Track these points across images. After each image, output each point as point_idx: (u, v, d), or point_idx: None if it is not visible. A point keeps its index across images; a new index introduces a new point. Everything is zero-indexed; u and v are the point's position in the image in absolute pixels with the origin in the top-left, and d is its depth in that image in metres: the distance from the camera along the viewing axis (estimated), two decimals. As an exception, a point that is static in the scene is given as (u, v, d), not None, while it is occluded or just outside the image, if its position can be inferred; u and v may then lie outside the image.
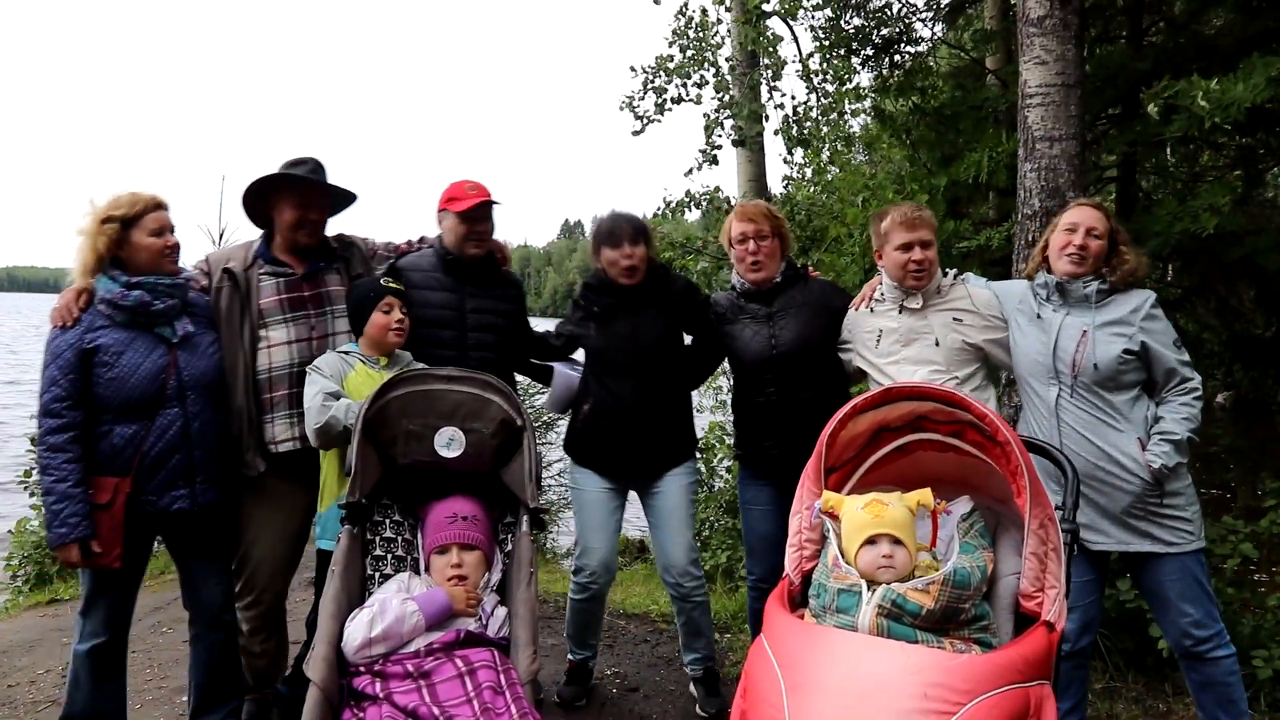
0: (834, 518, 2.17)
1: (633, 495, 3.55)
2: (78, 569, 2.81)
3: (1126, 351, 2.70)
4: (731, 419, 3.84)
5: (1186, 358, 2.77)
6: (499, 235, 3.42)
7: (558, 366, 3.60)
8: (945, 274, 3.11)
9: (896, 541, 2.05)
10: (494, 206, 3.30)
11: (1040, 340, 2.83)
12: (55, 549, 2.69)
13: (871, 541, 2.05)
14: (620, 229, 3.30)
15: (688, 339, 3.57)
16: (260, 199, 3.11)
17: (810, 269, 3.52)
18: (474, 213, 3.23)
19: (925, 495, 2.11)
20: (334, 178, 3.17)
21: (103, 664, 2.86)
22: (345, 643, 2.28)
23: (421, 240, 3.55)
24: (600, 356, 3.37)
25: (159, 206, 2.81)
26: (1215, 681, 2.73)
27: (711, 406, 8.04)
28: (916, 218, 3.01)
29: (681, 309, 3.44)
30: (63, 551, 2.68)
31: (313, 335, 3.10)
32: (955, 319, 2.99)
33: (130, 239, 2.76)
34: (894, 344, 3.03)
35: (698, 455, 3.66)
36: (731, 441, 7.08)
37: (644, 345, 3.31)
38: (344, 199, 3.23)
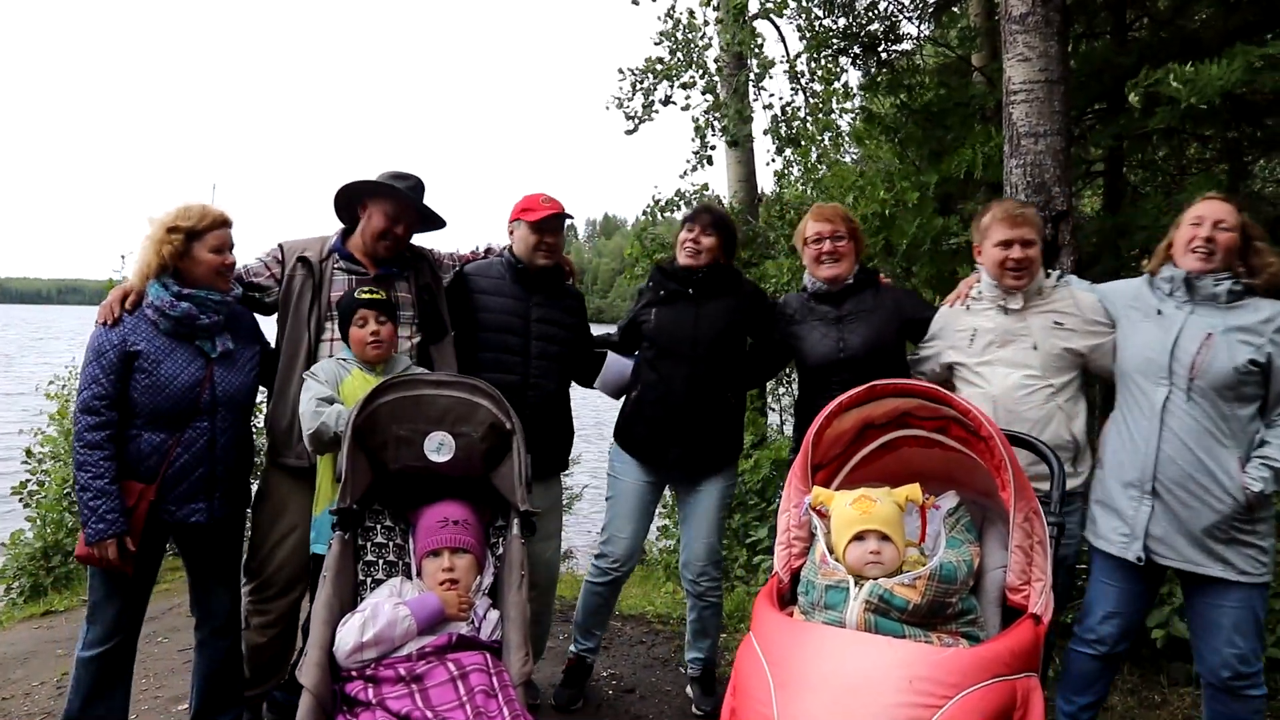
0: (823, 515, 2.18)
1: None
2: (88, 573, 2.82)
3: (1252, 362, 2.53)
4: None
5: None
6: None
7: (611, 353, 3.65)
8: (1048, 275, 3.00)
9: (884, 538, 2.06)
10: (566, 220, 3.37)
11: (1157, 337, 2.66)
12: (92, 545, 2.68)
13: (859, 538, 2.07)
14: (700, 214, 3.44)
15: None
16: (354, 198, 3.17)
17: (882, 277, 3.50)
18: (546, 223, 3.30)
19: (914, 491, 2.12)
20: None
21: (106, 671, 2.85)
22: (337, 647, 2.29)
23: (489, 250, 3.62)
24: (657, 340, 3.38)
25: (224, 224, 2.85)
26: (1240, 718, 2.64)
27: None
28: (1020, 214, 2.91)
29: (747, 310, 3.45)
30: (99, 548, 2.67)
31: None
32: (1056, 322, 2.85)
33: (191, 251, 2.79)
34: (989, 345, 2.91)
35: (738, 464, 3.67)
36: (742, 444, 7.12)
37: (704, 336, 3.32)
38: (434, 222, 3.30)
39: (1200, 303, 2.64)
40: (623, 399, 3.57)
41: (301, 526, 3.07)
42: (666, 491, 3.76)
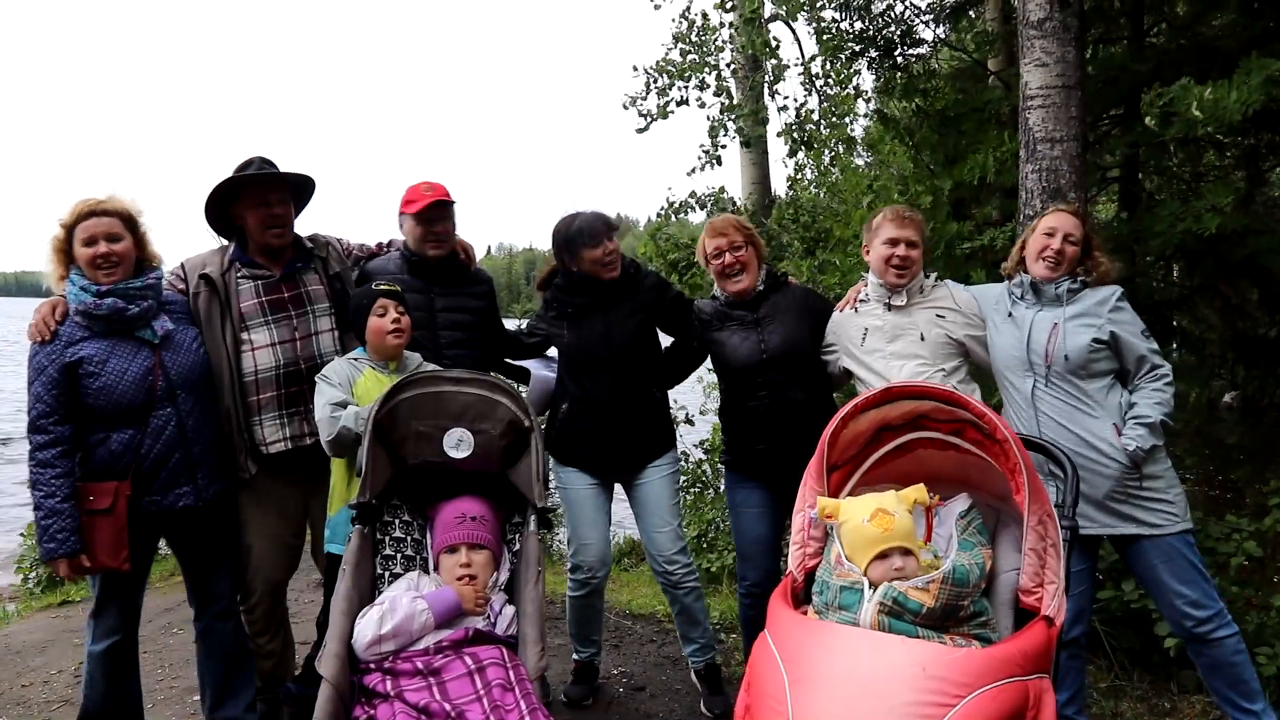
0: (830, 518, 2.19)
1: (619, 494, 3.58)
2: (78, 577, 2.83)
3: (1096, 340, 2.81)
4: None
5: (1155, 346, 2.88)
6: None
7: (534, 367, 3.64)
8: (928, 277, 3.21)
9: (906, 552, 2.07)
10: (450, 206, 3.30)
11: (1014, 335, 2.95)
12: (46, 563, 2.73)
13: (883, 555, 2.07)
14: (596, 227, 3.31)
15: (663, 340, 3.60)
16: (222, 211, 3.11)
17: (790, 276, 3.57)
18: (428, 213, 3.25)
19: (920, 493, 2.13)
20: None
21: (117, 662, 2.91)
22: (356, 640, 2.32)
23: (390, 243, 3.57)
24: (574, 355, 3.41)
25: (91, 214, 2.74)
26: (1222, 663, 2.76)
27: (715, 409, 8.07)
28: (907, 216, 3.12)
29: (653, 305, 3.47)
30: (53, 565, 2.72)
31: (296, 336, 3.10)
32: (938, 315, 3.09)
33: (72, 248, 2.75)
34: (880, 340, 3.10)
35: (677, 447, 3.68)
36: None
37: (616, 342, 3.34)
38: (303, 187, 3.21)
39: (1046, 303, 2.93)
40: (548, 413, 3.58)
41: (260, 540, 3.11)
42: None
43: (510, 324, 3.80)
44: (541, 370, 3.62)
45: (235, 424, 3.02)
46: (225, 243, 3.20)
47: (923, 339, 3.06)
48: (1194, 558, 2.78)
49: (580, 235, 3.30)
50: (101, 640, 2.87)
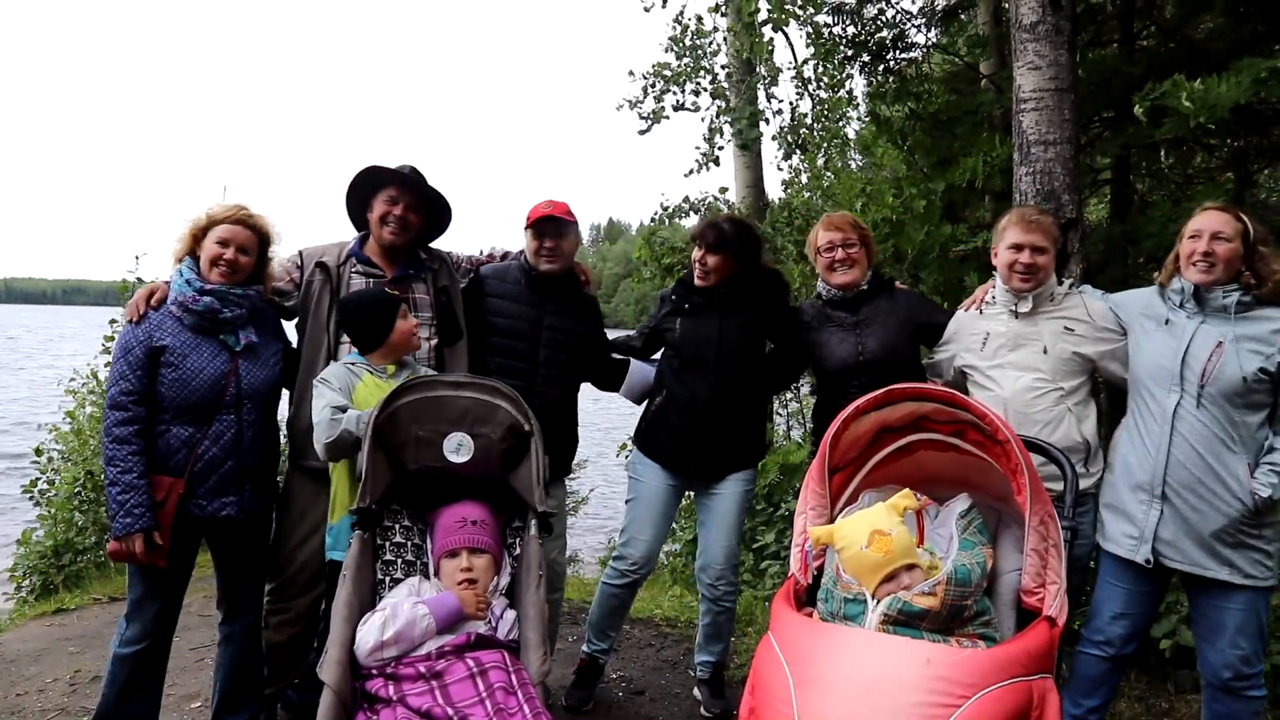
0: (826, 546, 2.20)
1: None
2: (127, 569, 2.84)
3: (1262, 371, 2.57)
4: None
5: None
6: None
7: (634, 360, 3.66)
8: (1061, 283, 3.05)
9: (910, 567, 2.07)
10: (566, 225, 3.36)
11: (1169, 345, 2.71)
12: (119, 539, 2.70)
13: (889, 577, 2.07)
14: (704, 233, 3.40)
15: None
16: (360, 200, 3.23)
17: (898, 282, 3.54)
18: (541, 226, 3.32)
19: (907, 499, 2.13)
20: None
21: (142, 668, 2.89)
22: (358, 646, 2.31)
23: (505, 254, 3.64)
24: (682, 351, 3.41)
25: (239, 221, 2.88)
26: (1239, 717, 2.68)
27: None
28: (1035, 221, 2.96)
29: (768, 319, 3.47)
30: (127, 542, 2.69)
31: None
32: (1066, 328, 2.90)
33: (204, 238, 2.86)
34: (1000, 348, 2.95)
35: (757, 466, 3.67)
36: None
37: (728, 347, 3.35)
38: (440, 208, 3.32)
39: (1211, 314, 2.68)
40: (644, 404, 3.60)
41: (321, 531, 3.08)
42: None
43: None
44: (641, 363, 3.65)
45: None
46: (355, 234, 3.32)
47: (1045, 352, 2.88)
48: (1265, 616, 2.65)
49: (695, 233, 3.45)
50: (130, 644, 2.85)
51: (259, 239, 2.93)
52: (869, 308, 3.28)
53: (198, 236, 2.87)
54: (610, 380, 3.72)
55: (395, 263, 3.24)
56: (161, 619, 2.89)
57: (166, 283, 2.89)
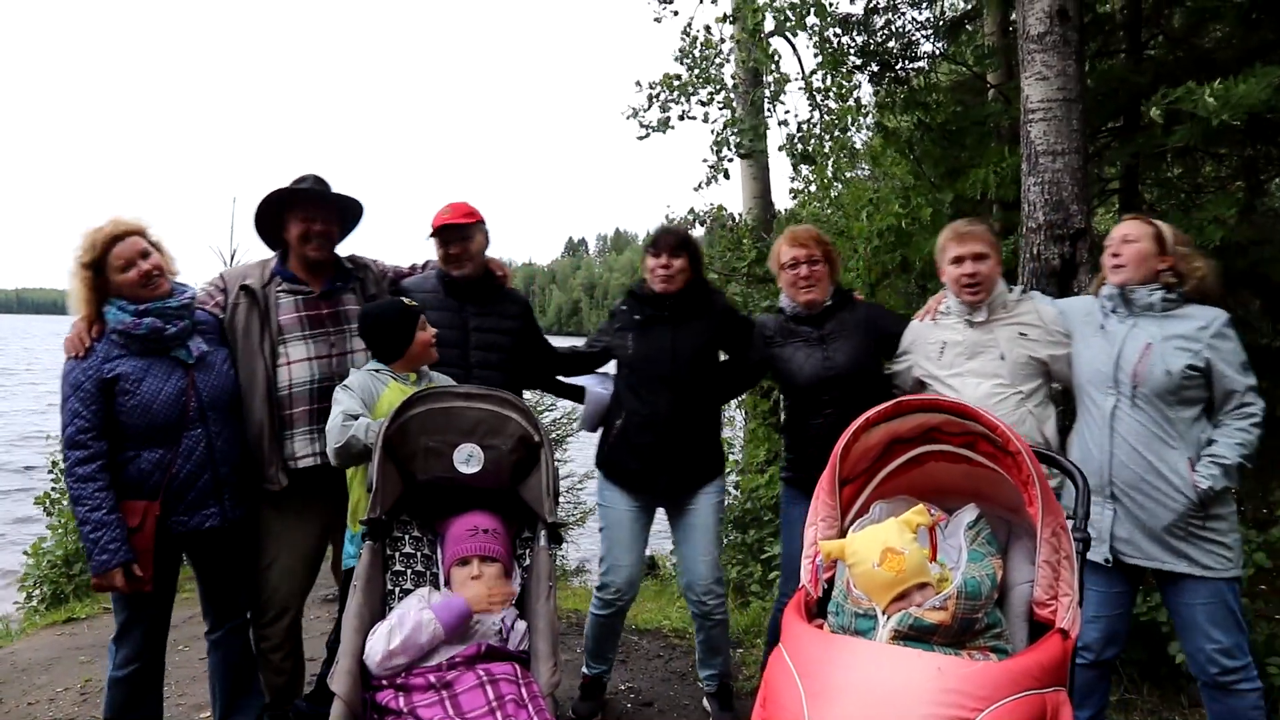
0: (836, 560, 2.19)
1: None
2: (111, 595, 2.83)
3: (1191, 367, 2.66)
4: (730, 434, 3.86)
5: (1253, 381, 2.71)
6: (499, 254, 3.49)
7: (589, 385, 3.64)
8: (1012, 289, 3.11)
9: (922, 585, 2.05)
10: (465, 228, 3.31)
11: (1104, 350, 2.82)
12: (99, 576, 2.70)
13: (901, 596, 2.06)
14: (663, 239, 3.41)
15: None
16: (272, 220, 3.18)
17: (856, 293, 3.55)
18: (442, 234, 3.30)
19: (920, 515, 2.11)
20: (346, 187, 3.24)
21: (138, 688, 2.91)
22: (368, 656, 2.32)
23: (427, 264, 3.61)
24: (637, 367, 3.40)
25: (117, 239, 2.75)
26: (1238, 715, 2.68)
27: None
28: (968, 232, 3.03)
29: (720, 327, 3.48)
30: (106, 578, 2.70)
31: (332, 352, 3.15)
32: (1021, 333, 2.98)
33: (107, 279, 2.76)
34: (958, 356, 3.02)
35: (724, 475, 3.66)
36: (736, 458, 7.10)
37: (682, 357, 3.35)
38: (351, 211, 3.28)
39: (1139, 314, 2.79)
40: (600, 429, 3.57)
41: (283, 555, 3.12)
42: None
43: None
44: (596, 387, 3.63)
45: (268, 437, 3.04)
46: (270, 253, 3.27)
47: (1003, 358, 2.95)
48: (1235, 605, 2.68)
49: (650, 242, 3.45)
50: (124, 666, 2.87)
51: (142, 236, 2.81)
52: (833, 322, 3.29)
53: (97, 285, 2.74)
54: (564, 392, 3.71)
55: (321, 277, 3.21)
56: (150, 638, 2.91)
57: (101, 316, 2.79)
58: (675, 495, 3.44)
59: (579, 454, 9.09)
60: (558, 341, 3.85)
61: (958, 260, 3.00)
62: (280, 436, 3.07)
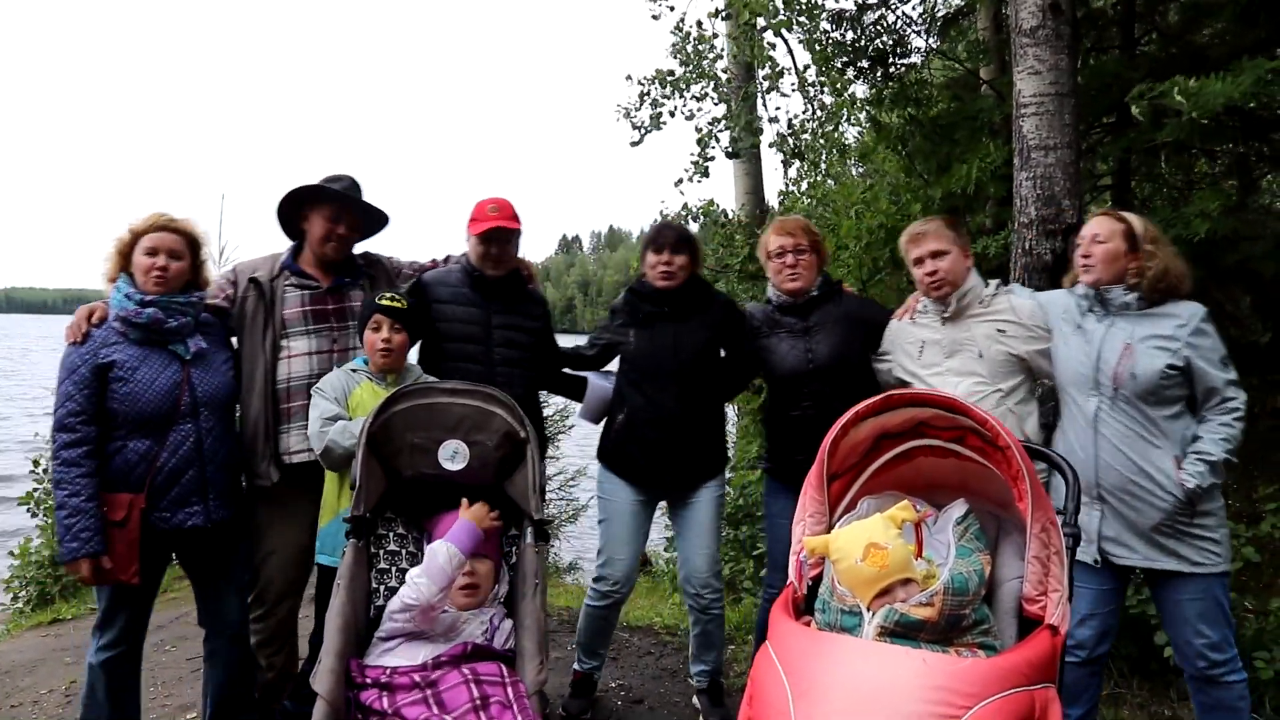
0: (821, 556, 2.17)
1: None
2: (95, 584, 2.81)
3: (1170, 367, 2.65)
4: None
5: (1233, 376, 2.69)
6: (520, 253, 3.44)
7: (591, 377, 3.64)
8: (988, 284, 3.10)
9: (906, 581, 2.03)
10: (513, 234, 3.32)
11: (1083, 350, 2.80)
12: (66, 564, 2.68)
13: (884, 591, 2.03)
14: (664, 235, 3.40)
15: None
16: (294, 210, 3.18)
17: (844, 284, 3.53)
18: (490, 234, 3.28)
19: (906, 511, 2.09)
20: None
21: (117, 674, 2.88)
22: (402, 599, 2.37)
23: (447, 259, 3.61)
24: (639, 363, 3.39)
25: (162, 228, 2.83)
26: (1225, 706, 2.69)
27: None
28: (921, 232, 3.04)
29: (720, 322, 3.47)
30: (73, 567, 2.67)
31: (334, 348, 3.15)
32: (999, 330, 2.96)
33: (133, 254, 2.82)
34: (937, 355, 3.02)
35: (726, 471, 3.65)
36: (729, 454, 7.10)
37: (685, 353, 3.34)
38: (376, 219, 3.31)
39: (1116, 314, 2.77)
40: (603, 421, 3.56)
41: (279, 550, 3.10)
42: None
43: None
44: (598, 379, 3.62)
45: (263, 430, 3.03)
46: (288, 243, 3.27)
47: (981, 356, 2.95)
48: (1224, 600, 2.68)
49: (650, 238, 3.44)
50: (102, 652, 2.85)
51: (188, 242, 2.88)
52: (819, 313, 3.28)
53: (125, 253, 2.83)
54: (565, 387, 3.70)
55: (331, 273, 3.20)
56: (131, 629, 2.88)
57: (105, 301, 2.84)
58: (678, 489, 3.43)
59: (572, 450, 9.07)
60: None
61: (918, 261, 3.02)
62: (276, 430, 3.06)
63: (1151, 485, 2.66)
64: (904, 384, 3.12)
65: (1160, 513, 2.66)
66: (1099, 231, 2.80)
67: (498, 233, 3.28)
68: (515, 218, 3.33)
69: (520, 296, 3.44)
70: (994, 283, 3.16)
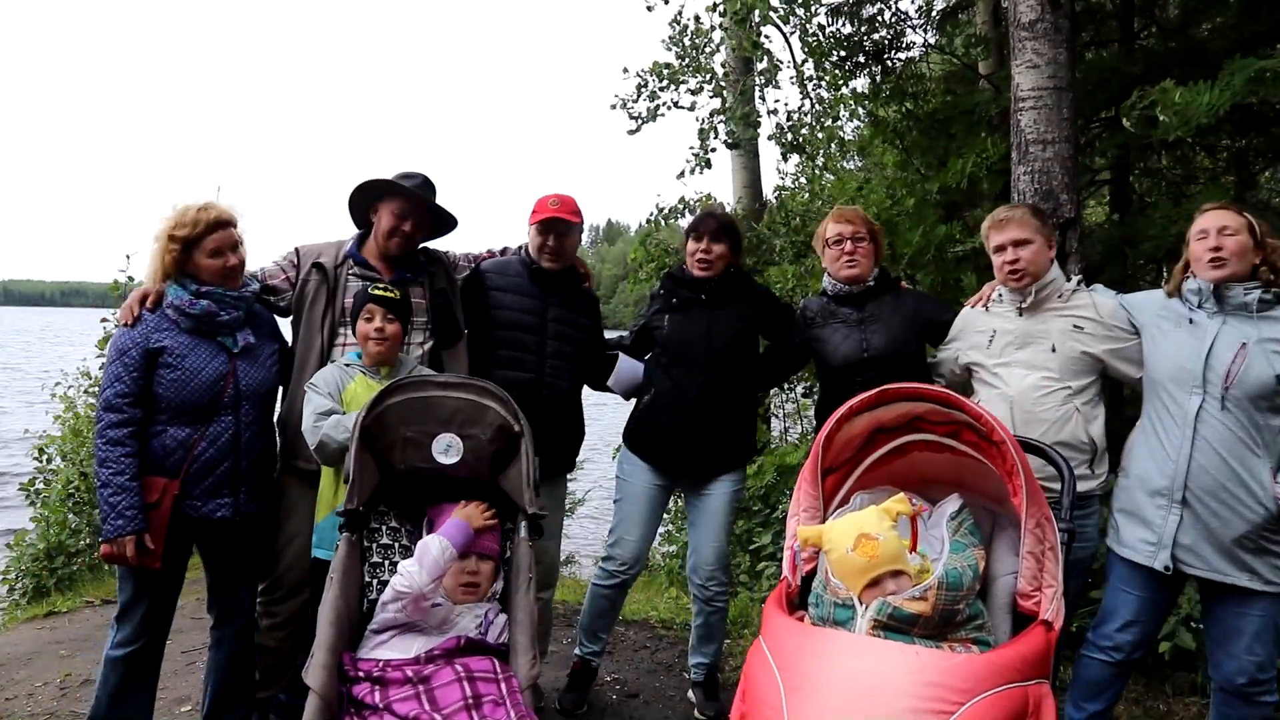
0: (814, 547, 2.16)
1: None
2: (117, 572, 2.82)
3: None
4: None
5: None
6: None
7: (623, 355, 3.65)
8: (1069, 279, 3.01)
9: (897, 573, 2.03)
10: (571, 225, 3.36)
11: (1190, 346, 2.62)
12: (109, 542, 2.67)
13: (874, 582, 2.03)
14: (705, 223, 3.41)
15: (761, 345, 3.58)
16: (367, 201, 3.21)
17: (902, 281, 3.52)
18: (547, 225, 3.32)
19: (901, 504, 2.09)
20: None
21: (135, 670, 2.86)
22: (394, 588, 2.35)
23: (504, 250, 3.64)
24: (670, 348, 3.40)
25: (219, 226, 2.83)
26: None
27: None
28: (1005, 218, 2.94)
29: (759, 314, 3.46)
30: (117, 545, 2.66)
31: None
32: (1075, 326, 2.85)
33: (192, 259, 2.82)
34: (1008, 346, 2.92)
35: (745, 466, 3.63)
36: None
37: (716, 343, 3.34)
38: (445, 221, 3.33)
39: (1231, 312, 2.60)
40: (633, 401, 3.58)
41: (299, 536, 3.07)
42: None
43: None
44: (630, 360, 3.63)
45: None
46: (355, 231, 3.30)
47: (1054, 351, 2.83)
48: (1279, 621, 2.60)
49: (691, 226, 3.45)
50: (122, 646, 2.83)
51: (235, 226, 2.89)
52: (875, 304, 3.25)
53: (180, 261, 2.81)
54: (601, 377, 3.71)
55: (393, 267, 3.23)
56: (153, 621, 2.86)
57: (160, 288, 2.85)
58: (693, 477, 3.43)
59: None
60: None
61: (999, 249, 2.92)
62: None
63: (1244, 494, 2.52)
64: (968, 373, 3.05)
65: (1247, 524, 2.52)
66: (1227, 224, 2.60)
67: (556, 223, 3.32)
68: (576, 213, 3.38)
69: (577, 294, 3.48)
70: (1076, 278, 3.08)
